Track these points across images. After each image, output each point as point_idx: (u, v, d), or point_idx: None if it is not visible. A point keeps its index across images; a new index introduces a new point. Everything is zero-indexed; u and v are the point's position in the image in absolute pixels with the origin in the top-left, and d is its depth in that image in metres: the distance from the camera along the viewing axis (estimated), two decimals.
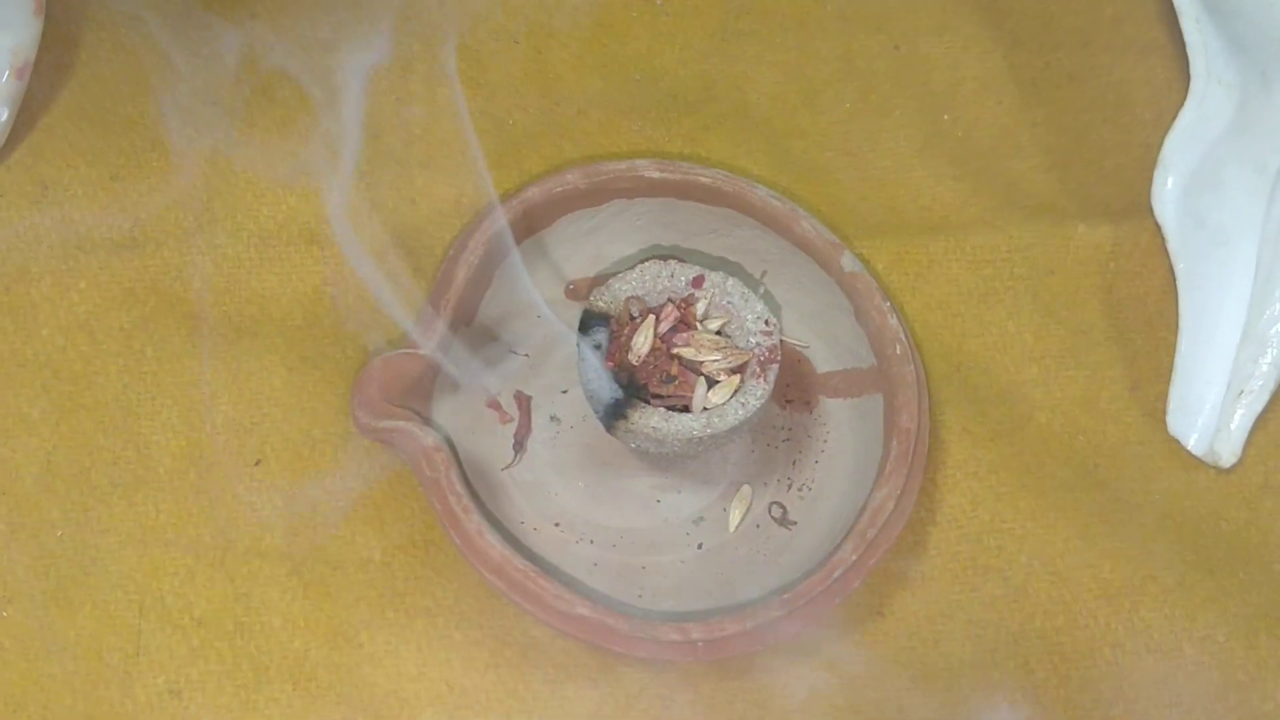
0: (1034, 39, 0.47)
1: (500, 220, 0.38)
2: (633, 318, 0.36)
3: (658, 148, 0.43)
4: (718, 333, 0.36)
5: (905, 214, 0.43)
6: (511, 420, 0.38)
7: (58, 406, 0.37)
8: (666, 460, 0.38)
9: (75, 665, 0.35)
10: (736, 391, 0.35)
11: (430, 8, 0.45)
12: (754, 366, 0.35)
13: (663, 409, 0.34)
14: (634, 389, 0.35)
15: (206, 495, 0.37)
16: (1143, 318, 0.42)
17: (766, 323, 0.36)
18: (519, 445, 0.38)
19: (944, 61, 0.46)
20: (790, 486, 0.38)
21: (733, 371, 0.35)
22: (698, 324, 0.36)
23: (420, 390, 0.37)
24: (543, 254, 0.40)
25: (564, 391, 0.39)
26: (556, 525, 0.37)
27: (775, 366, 0.35)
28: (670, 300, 0.36)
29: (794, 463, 0.38)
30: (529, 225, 0.39)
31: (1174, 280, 0.42)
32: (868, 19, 0.46)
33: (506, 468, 0.38)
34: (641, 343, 0.35)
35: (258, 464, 0.37)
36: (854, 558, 0.34)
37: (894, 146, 0.44)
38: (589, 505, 0.37)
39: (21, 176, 0.40)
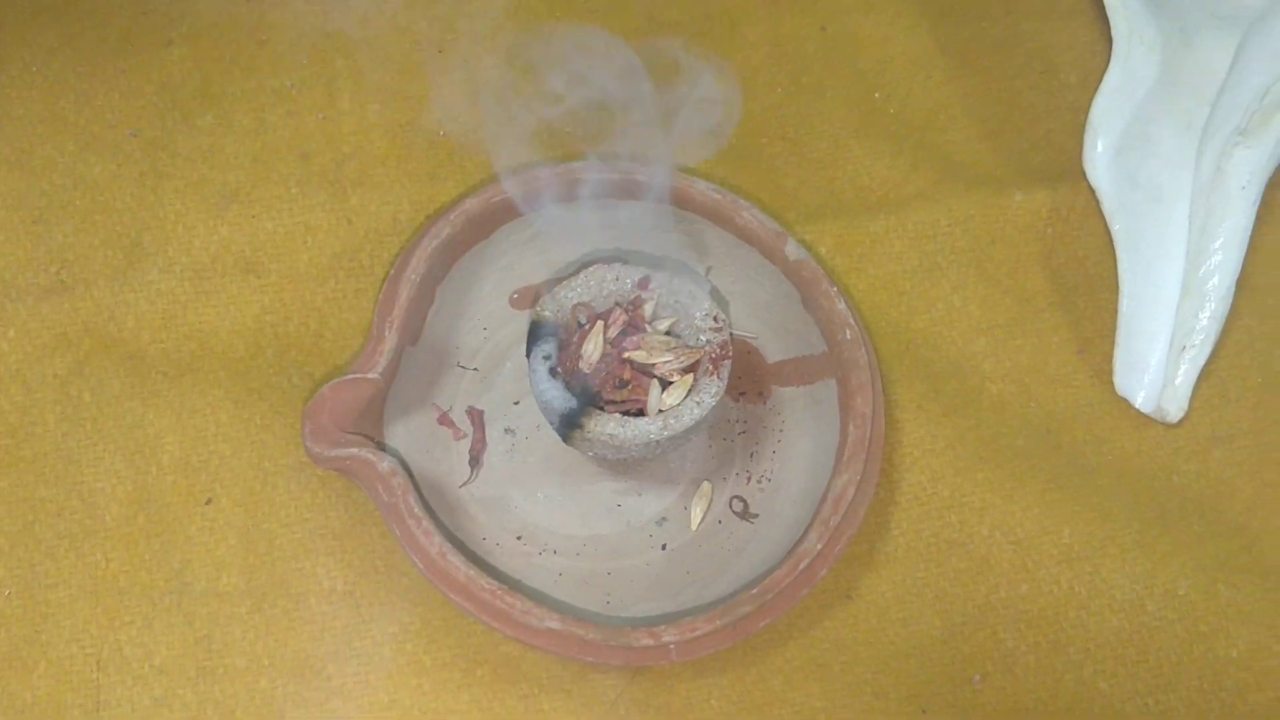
0: (959, 10, 0.47)
1: (441, 234, 0.37)
2: (581, 325, 0.35)
3: (593, 148, 0.42)
4: (667, 333, 0.36)
5: (845, 195, 0.43)
6: (465, 436, 0.38)
7: None
8: (625, 464, 0.38)
9: None
10: (691, 391, 0.35)
11: (353, 23, 0.44)
12: (706, 364, 0.35)
13: (618, 415, 0.34)
14: (587, 397, 0.34)
15: (158, 539, 0.36)
16: (1085, 281, 0.42)
17: (716, 319, 0.36)
18: (475, 461, 0.37)
19: (872, 39, 0.46)
20: (750, 479, 0.38)
21: (685, 371, 0.35)
22: (647, 326, 0.36)
23: (371, 414, 0.36)
24: (486, 264, 0.40)
25: (517, 403, 0.38)
26: (519, 538, 0.37)
27: (728, 362, 0.35)
28: (618, 304, 0.36)
29: (752, 455, 0.38)
30: (470, 236, 0.39)
31: (1111, 241, 0.42)
32: (793, 1, 0.46)
33: (464, 485, 0.37)
34: (592, 350, 0.34)
35: (209, 503, 0.37)
36: (820, 546, 0.34)
37: (829, 128, 0.44)
38: (550, 515, 0.37)
39: None
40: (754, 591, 0.34)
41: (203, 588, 0.36)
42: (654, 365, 0.35)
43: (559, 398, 0.34)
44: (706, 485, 0.38)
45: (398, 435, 0.37)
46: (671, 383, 0.35)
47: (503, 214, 0.39)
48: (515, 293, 0.40)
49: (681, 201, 0.39)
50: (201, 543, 0.36)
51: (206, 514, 0.37)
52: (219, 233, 0.40)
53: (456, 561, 0.33)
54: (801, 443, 0.38)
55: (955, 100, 0.45)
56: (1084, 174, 0.43)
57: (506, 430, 0.38)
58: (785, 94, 0.45)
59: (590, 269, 0.36)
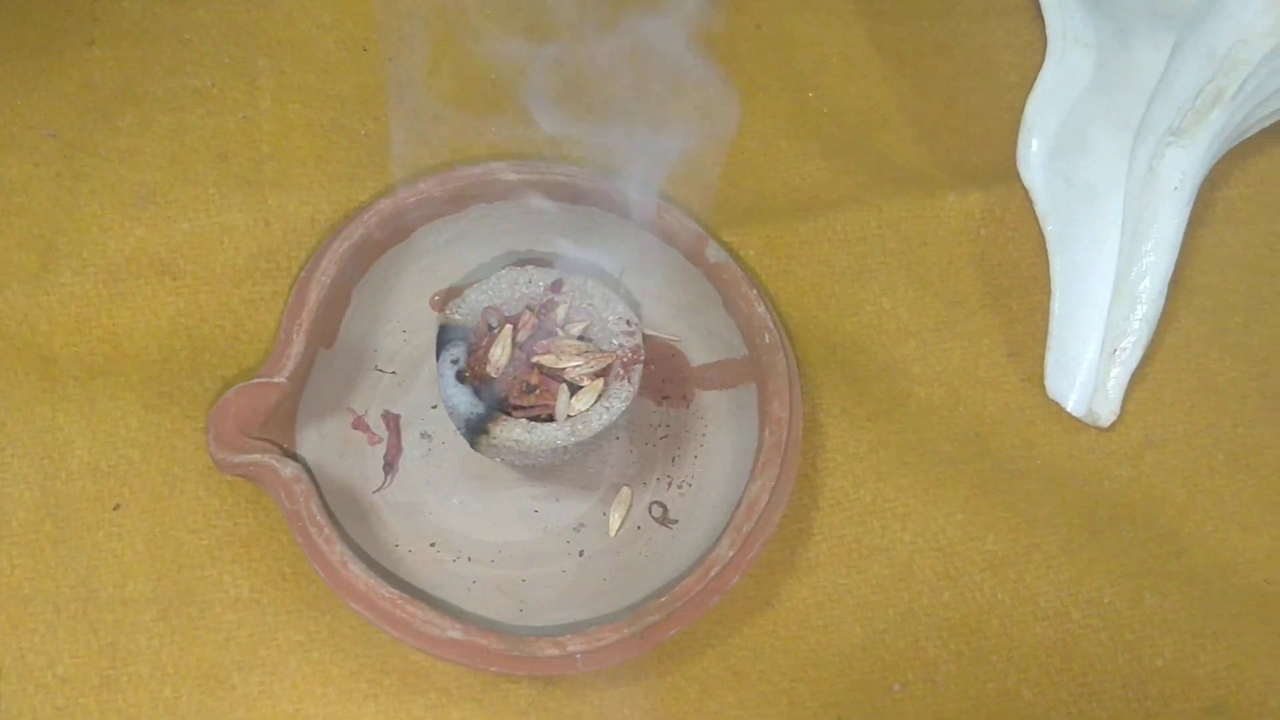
0: (898, 9, 0.46)
1: (352, 236, 0.37)
2: (491, 329, 0.35)
3: (518, 148, 0.42)
4: (580, 337, 0.35)
5: (775, 197, 0.42)
6: (381, 441, 0.37)
7: None
8: (543, 469, 0.37)
9: None
10: (600, 396, 0.34)
11: (275, 21, 0.43)
12: (617, 368, 0.34)
13: (525, 420, 0.33)
14: (495, 402, 0.34)
15: (65, 545, 0.35)
16: (1017, 283, 0.42)
17: (628, 322, 0.35)
18: (389, 466, 0.37)
19: (807, 38, 0.45)
20: (671, 484, 0.37)
21: (596, 375, 0.34)
22: (558, 330, 0.35)
23: (280, 419, 0.36)
24: (405, 266, 0.39)
25: (434, 407, 0.38)
26: (432, 545, 0.36)
27: (639, 367, 0.35)
28: (529, 308, 0.35)
29: (673, 459, 0.38)
30: (386, 238, 0.38)
31: (1045, 243, 0.42)
32: None
33: (378, 490, 0.37)
34: (499, 354, 0.34)
35: (117, 508, 0.36)
36: (731, 554, 0.34)
37: (761, 129, 0.44)
38: (465, 521, 0.36)
39: None
40: (663, 600, 0.33)
41: (109, 595, 0.35)
42: (563, 370, 0.34)
43: (465, 403, 0.33)
44: (626, 490, 0.37)
45: (310, 440, 0.37)
46: (581, 387, 0.34)
47: (421, 214, 0.38)
48: (436, 295, 0.39)
49: (603, 203, 0.38)
50: (109, 549, 0.36)
51: (114, 520, 0.36)
52: (135, 234, 0.40)
53: (357, 570, 0.32)
54: (723, 447, 0.38)
55: (891, 101, 0.45)
56: (1018, 175, 0.42)
57: (423, 435, 0.38)
58: (717, 94, 0.44)
59: (501, 272, 0.35)
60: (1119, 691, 0.36)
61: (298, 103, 0.42)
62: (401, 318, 0.39)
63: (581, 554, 0.36)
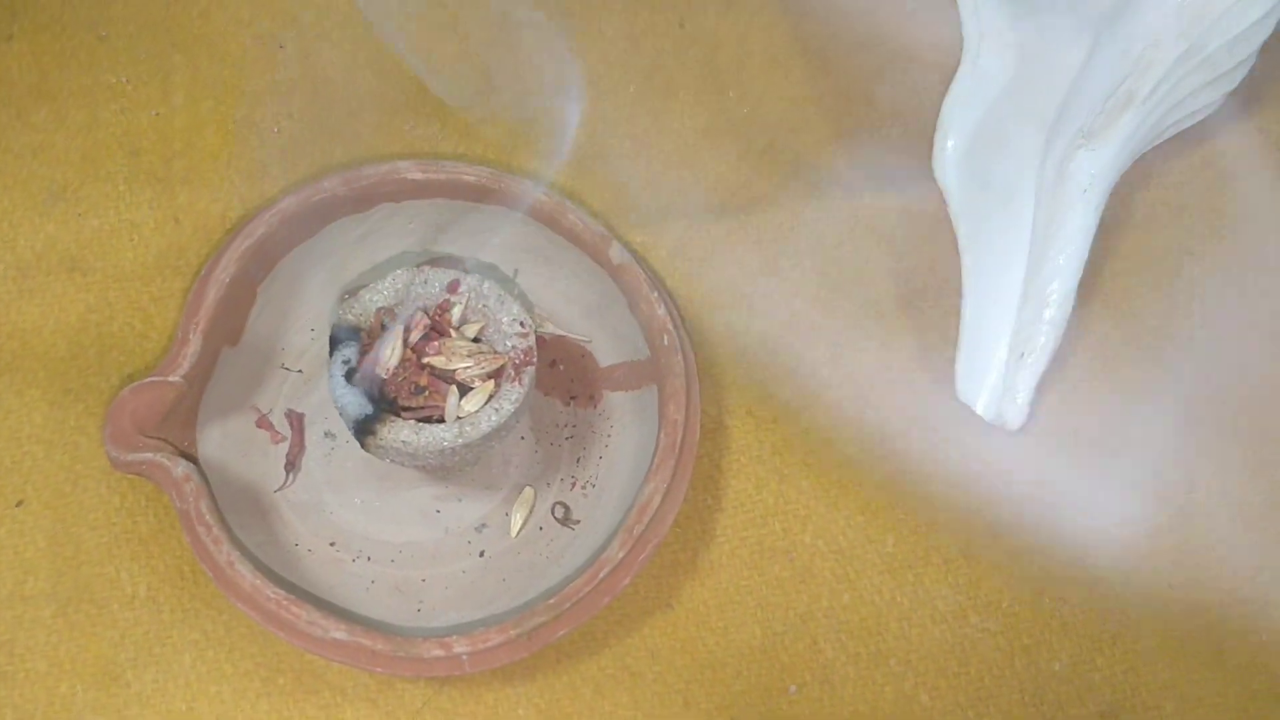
0: (822, 8, 0.46)
1: (254, 234, 0.37)
2: (385, 329, 0.35)
3: (432, 146, 0.42)
4: (475, 339, 0.35)
5: (690, 197, 0.42)
6: (284, 440, 0.37)
7: None
8: (445, 469, 0.37)
9: None
10: (491, 397, 0.34)
11: (192, 17, 0.43)
12: (509, 370, 0.34)
13: (413, 421, 0.33)
14: (385, 403, 0.34)
15: None
16: (932, 285, 0.42)
17: (522, 324, 0.35)
18: (291, 465, 0.37)
19: (730, 36, 0.45)
20: (575, 485, 0.38)
21: (487, 377, 0.34)
22: (452, 330, 0.35)
23: (179, 418, 0.36)
24: (313, 264, 0.39)
25: None
26: (332, 544, 0.36)
27: (531, 369, 0.35)
28: (422, 309, 0.35)
29: (578, 460, 0.38)
30: (292, 236, 0.38)
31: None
32: None
33: (279, 489, 0.37)
34: (388, 354, 0.34)
35: (19, 505, 0.36)
36: (621, 555, 0.34)
37: (679, 128, 0.43)
38: (366, 521, 0.37)
39: None
40: (551, 601, 0.33)
41: (8, 591, 0.35)
42: (454, 371, 0.34)
43: (354, 403, 0.33)
44: (529, 491, 0.37)
45: (213, 439, 0.37)
46: (472, 389, 0.34)
47: (326, 212, 0.38)
48: (345, 293, 0.39)
49: (509, 202, 0.38)
50: (10, 545, 0.36)
51: (16, 516, 0.36)
52: (45, 230, 0.40)
53: (244, 570, 0.32)
54: (627, 449, 0.38)
55: (811, 101, 0.45)
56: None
57: (326, 434, 0.38)
58: (637, 92, 0.44)
59: (397, 272, 0.35)
60: (1016, 695, 0.36)
61: (211, 99, 0.42)
62: (309, 316, 0.39)
63: (482, 554, 0.37)
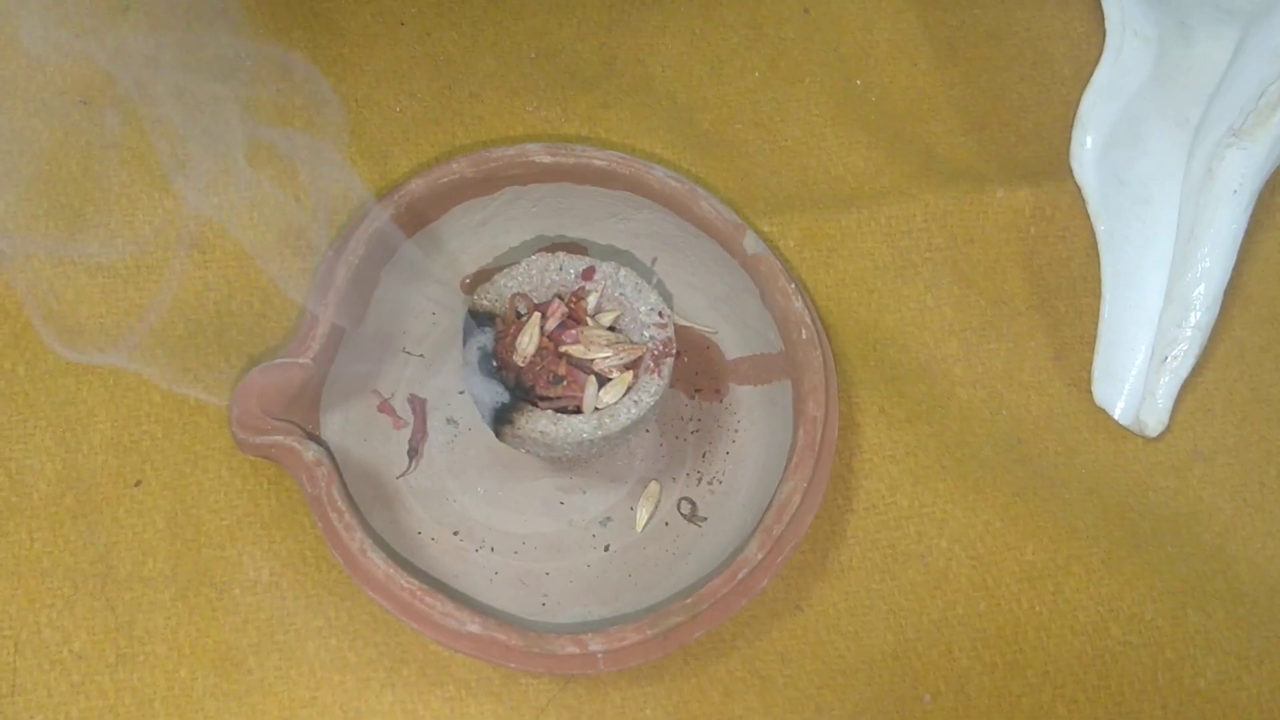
0: None
1: (382, 216, 0.36)
2: (519, 316, 0.34)
3: (555, 129, 0.41)
4: (610, 328, 0.34)
5: (817, 186, 0.41)
6: (406, 425, 0.37)
7: None
8: (570, 460, 0.36)
9: None
10: (630, 389, 0.33)
11: None
12: (647, 361, 0.33)
13: (551, 411, 0.32)
14: (521, 391, 0.33)
15: (85, 520, 0.35)
16: (1066, 283, 0.40)
17: (660, 314, 0.34)
18: (414, 451, 0.36)
19: (856, 23, 0.44)
20: (700, 480, 0.37)
21: (625, 368, 0.33)
22: (588, 319, 0.34)
23: (304, 400, 0.35)
24: (436, 247, 0.38)
25: (461, 392, 0.37)
26: (455, 534, 0.35)
27: (670, 360, 0.33)
28: (558, 296, 0.34)
29: (704, 455, 0.37)
30: (418, 218, 0.37)
31: (1097, 243, 0.40)
32: None
33: (402, 475, 0.36)
34: (526, 343, 0.33)
35: (138, 485, 0.36)
36: (760, 556, 0.33)
37: (805, 115, 0.42)
38: (489, 511, 0.36)
39: None
40: (688, 601, 0.32)
41: (127, 572, 0.35)
42: (592, 361, 0.33)
43: (491, 391, 0.32)
44: (654, 485, 0.36)
45: (334, 422, 0.36)
46: (610, 380, 0.33)
47: (453, 195, 0.37)
48: (467, 278, 0.39)
49: (638, 188, 0.37)
50: (129, 525, 0.35)
51: (135, 496, 0.36)
52: (163, 206, 0.39)
53: (376, 558, 0.32)
54: (755, 445, 0.37)
55: (939, 90, 0.43)
56: (1071, 171, 0.41)
57: (449, 420, 0.37)
58: (762, 79, 0.43)
59: (532, 258, 0.34)
60: (1158, 712, 0.35)
61: (331, 77, 0.41)
62: (430, 300, 0.38)
63: (608, 548, 0.36)
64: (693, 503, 0.36)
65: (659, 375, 0.33)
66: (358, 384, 0.37)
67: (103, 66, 0.41)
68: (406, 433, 0.37)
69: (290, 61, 0.41)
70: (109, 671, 0.34)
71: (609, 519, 0.36)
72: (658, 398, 0.33)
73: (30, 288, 0.38)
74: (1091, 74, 0.41)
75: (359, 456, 0.36)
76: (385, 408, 0.37)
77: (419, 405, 0.37)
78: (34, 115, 0.40)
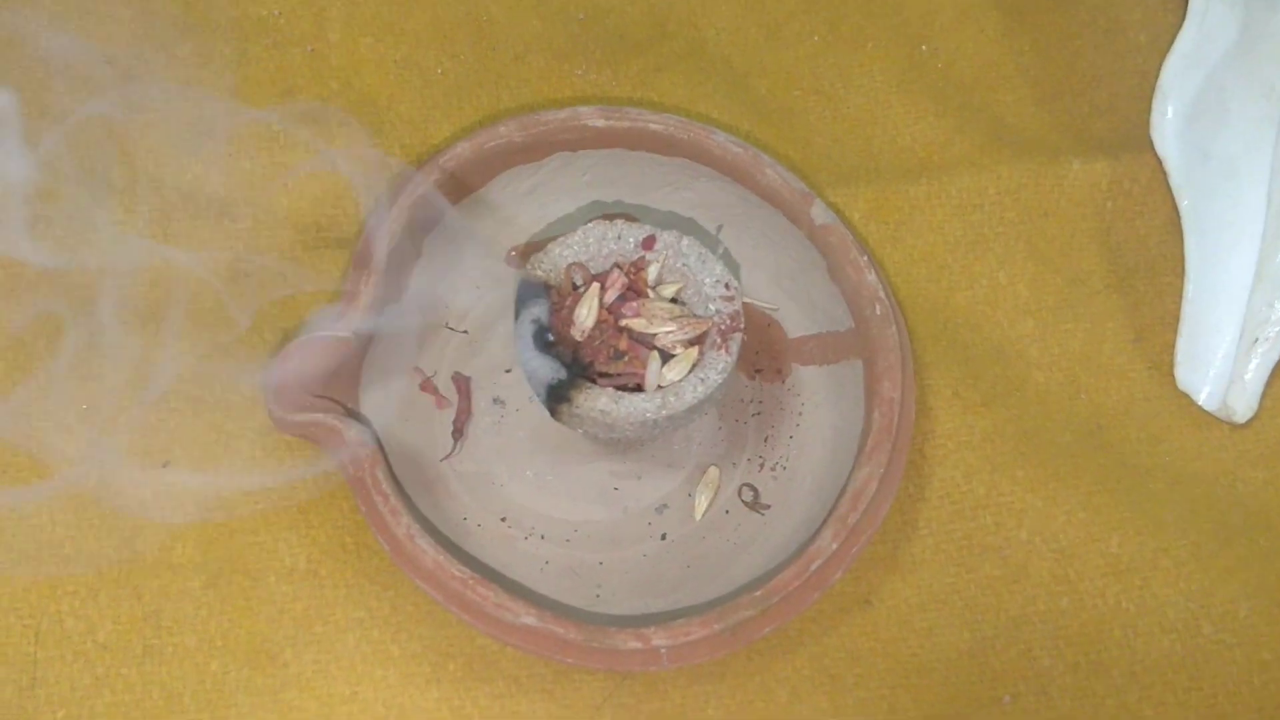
0: None
1: (425, 183, 0.34)
2: (576, 287, 0.32)
3: (604, 93, 0.39)
4: (672, 300, 0.32)
5: (883, 157, 0.39)
6: (450, 405, 0.34)
7: None
8: (624, 444, 0.34)
9: None
10: (695, 366, 0.31)
11: None
12: (714, 336, 0.31)
13: (611, 389, 0.30)
14: (579, 368, 0.31)
15: (109, 503, 0.33)
16: (1145, 262, 0.38)
17: (727, 286, 0.32)
18: (459, 432, 0.34)
19: None
20: (763, 466, 0.34)
21: (690, 343, 0.31)
22: (649, 291, 0.32)
23: (344, 376, 0.33)
24: (481, 216, 0.36)
25: (508, 371, 0.35)
26: (503, 520, 0.33)
27: (738, 335, 0.31)
28: (617, 265, 0.32)
29: (766, 439, 0.35)
30: (462, 185, 0.35)
31: (1178, 219, 0.38)
32: None
33: (445, 458, 0.34)
34: (585, 315, 0.31)
35: (166, 466, 0.33)
36: (834, 546, 0.31)
37: (868, 83, 0.40)
38: (538, 496, 0.34)
39: None
40: (757, 594, 0.30)
41: (154, 559, 0.33)
42: (654, 336, 0.31)
43: (546, 367, 0.30)
44: (714, 471, 0.34)
45: (374, 401, 0.34)
46: (674, 356, 0.31)
47: (500, 160, 0.35)
48: (513, 249, 0.36)
49: (698, 155, 0.35)
50: (156, 509, 0.33)
51: (163, 478, 0.33)
52: (191, 170, 0.37)
53: (425, 545, 0.29)
54: (822, 428, 0.34)
55: (1009, 58, 0.41)
56: (1150, 144, 0.38)
57: (495, 400, 0.35)
58: (821, 43, 0.40)
59: (589, 225, 0.32)
60: (1253, 716, 0.33)
61: (369, 36, 0.39)
62: (475, 272, 0.36)
63: (664, 538, 0.33)
64: (755, 490, 0.34)
65: (726, 352, 0.31)
66: (398, 362, 0.35)
67: (127, 25, 0.39)
68: (450, 413, 0.34)
69: (325, 21, 0.39)
70: (135, 664, 0.32)
71: (665, 506, 0.34)
72: (725, 375, 0.31)
73: (52, 258, 0.35)
74: (1171, 42, 0.38)
75: (399, 438, 0.34)
76: (428, 386, 0.35)
77: (463, 384, 0.35)
78: (56, 75, 0.38)
